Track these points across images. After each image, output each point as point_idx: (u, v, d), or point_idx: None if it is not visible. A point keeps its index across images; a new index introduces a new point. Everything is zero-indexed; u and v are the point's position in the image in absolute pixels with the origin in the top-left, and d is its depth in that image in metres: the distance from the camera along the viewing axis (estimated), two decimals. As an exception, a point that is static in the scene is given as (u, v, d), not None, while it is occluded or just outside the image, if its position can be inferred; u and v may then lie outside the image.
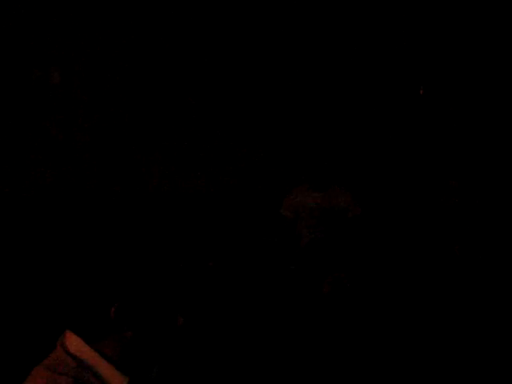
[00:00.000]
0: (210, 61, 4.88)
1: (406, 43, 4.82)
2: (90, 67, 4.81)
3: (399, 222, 4.45)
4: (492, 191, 4.22)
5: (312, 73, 4.90)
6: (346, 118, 4.89)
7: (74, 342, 1.29)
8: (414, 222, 4.44)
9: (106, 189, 4.81)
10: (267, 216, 4.31)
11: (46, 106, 4.80)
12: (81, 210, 4.58)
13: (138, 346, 1.33)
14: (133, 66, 4.86)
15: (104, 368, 1.27)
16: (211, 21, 4.82)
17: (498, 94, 4.64)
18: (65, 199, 4.70)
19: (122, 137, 4.90)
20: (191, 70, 4.88)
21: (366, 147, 4.89)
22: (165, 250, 1.51)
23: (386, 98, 4.92)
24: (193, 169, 4.91)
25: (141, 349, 1.34)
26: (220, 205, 4.71)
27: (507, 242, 3.82)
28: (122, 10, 4.74)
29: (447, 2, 4.71)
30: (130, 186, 4.86)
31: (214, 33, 4.84)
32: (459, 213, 4.13)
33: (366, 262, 3.61)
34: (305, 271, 3.50)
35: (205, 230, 4.36)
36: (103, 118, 4.88)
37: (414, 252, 3.93)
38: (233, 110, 4.91)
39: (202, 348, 2.42)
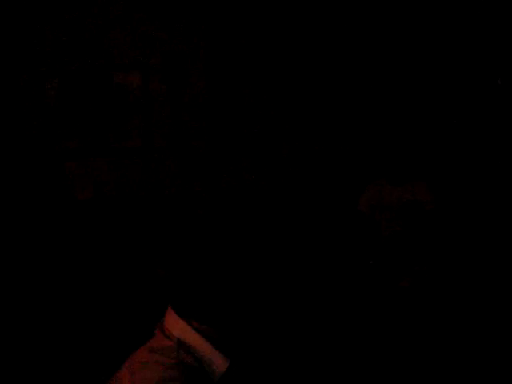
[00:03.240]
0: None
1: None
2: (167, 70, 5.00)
3: (476, 215, 4.34)
4: None
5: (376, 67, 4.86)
6: (422, 112, 4.82)
7: (175, 324, 1.33)
8: (490, 218, 4.33)
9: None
10: (345, 212, 4.33)
11: (127, 109, 5.04)
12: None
13: (242, 331, 1.35)
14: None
15: (206, 350, 1.30)
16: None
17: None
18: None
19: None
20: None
21: (441, 141, 4.79)
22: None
23: (462, 94, 4.79)
24: (256, 165, 5.01)
25: (245, 335, 1.36)
26: (298, 202, 4.77)
27: None
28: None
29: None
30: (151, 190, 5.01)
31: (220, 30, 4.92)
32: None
33: (443, 256, 3.55)
34: (384, 265, 3.50)
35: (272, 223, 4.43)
36: (177, 121, 5.07)
37: (489, 249, 3.83)
38: (306, 98, 4.95)
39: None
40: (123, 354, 1.41)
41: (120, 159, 5.08)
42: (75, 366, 3.05)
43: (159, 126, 5.06)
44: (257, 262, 1.43)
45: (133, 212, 4.89)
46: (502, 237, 4.11)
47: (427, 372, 2.51)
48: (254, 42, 4.92)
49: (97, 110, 5.06)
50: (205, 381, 1.29)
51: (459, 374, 2.53)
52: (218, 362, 1.31)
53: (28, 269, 4.11)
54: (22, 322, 3.52)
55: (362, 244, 3.97)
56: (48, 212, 4.67)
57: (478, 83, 4.73)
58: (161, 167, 5.09)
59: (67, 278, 4.10)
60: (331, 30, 4.86)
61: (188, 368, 1.27)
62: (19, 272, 4.06)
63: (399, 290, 3.11)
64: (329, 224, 4.55)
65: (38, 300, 3.85)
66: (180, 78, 5.01)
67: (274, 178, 4.96)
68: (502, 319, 2.97)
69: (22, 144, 5.02)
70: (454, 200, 4.52)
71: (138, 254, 4.50)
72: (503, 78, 4.72)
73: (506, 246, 3.96)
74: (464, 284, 3.28)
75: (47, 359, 3.15)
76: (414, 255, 3.44)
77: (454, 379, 2.51)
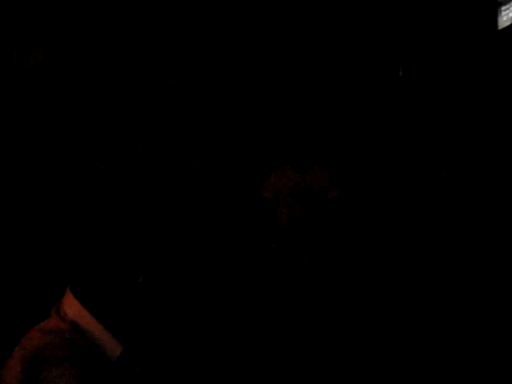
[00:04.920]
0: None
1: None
2: (71, 49, 4.84)
3: (378, 202, 4.58)
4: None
5: (289, 58, 4.97)
6: (327, 100, 4.97)
7: (72, 307, 1.33)
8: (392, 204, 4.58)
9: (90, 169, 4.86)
10: (249, 198, 4.40)
11: (27, 87, 4.82)
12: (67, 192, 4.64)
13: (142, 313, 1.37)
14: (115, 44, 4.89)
15: (100, 334, 1.32)
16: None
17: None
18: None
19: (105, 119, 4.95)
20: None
21: (345, 130, 4.98)
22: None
23: (366, 82, 5.00)
24: (176, 149, 4.98)
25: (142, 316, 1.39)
26: (202, 186, 4.78)
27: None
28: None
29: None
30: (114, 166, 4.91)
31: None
32: (447, 188, 4.24)
33: (342, 237, 3.73)
34: (285, 248, 3.61)
35: (186, 208, 4.44)
36: (84, 99, 4.92)
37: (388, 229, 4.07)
38: (212, 93, 4.96)
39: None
40: (17, 335, 1.39)
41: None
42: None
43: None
44: (153, 246, 1.45)
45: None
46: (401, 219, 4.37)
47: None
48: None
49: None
50: (97, 363, 1.30)
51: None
52: (112, 347, 1.33)
53: None
54: None
55: (265, 228, 4.06)
56: None
57: (380, 73, 4.96)
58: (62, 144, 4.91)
59: None
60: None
61: (80, 350, 1.27)
62: None
63: (299, 269, 3.24)
64: (232, 209, 4.61)
65: None
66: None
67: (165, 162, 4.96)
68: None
69: None
70: (356, 187, 4.73)
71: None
72: (404, 70, 4.98)
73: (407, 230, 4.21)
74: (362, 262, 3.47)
75: None
76: (313, 238, 3.57)
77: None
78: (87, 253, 1.36)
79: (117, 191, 4.67)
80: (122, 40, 4.90)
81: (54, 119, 4.91)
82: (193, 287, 3.08)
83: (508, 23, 4.67)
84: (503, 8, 4.72)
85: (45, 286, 3.01)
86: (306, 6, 4.91)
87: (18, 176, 4.75)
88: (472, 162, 4.44)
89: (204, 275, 3.30)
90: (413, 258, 3.61)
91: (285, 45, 4.95)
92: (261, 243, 3.88)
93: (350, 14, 4.93)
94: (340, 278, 3.17)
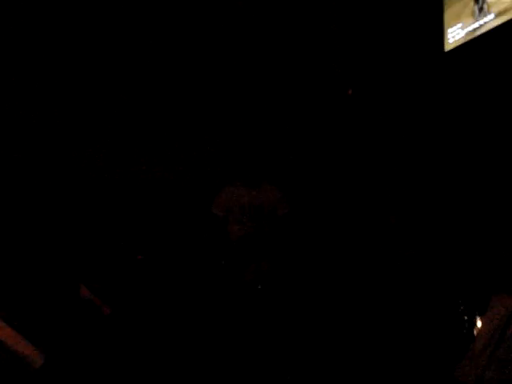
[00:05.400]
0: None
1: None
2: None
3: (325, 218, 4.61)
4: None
5: (243, 73, 4.98)
6: (277, 117, 5.00)
7: None
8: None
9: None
10: (199, 214, 4.36)
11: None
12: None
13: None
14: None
15: (20, 345, 1.29)
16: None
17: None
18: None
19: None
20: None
21: (295, 145, 5.01)
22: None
23: (318, 98, 5.05)
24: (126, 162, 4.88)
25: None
26: (152, 202, 4.71)
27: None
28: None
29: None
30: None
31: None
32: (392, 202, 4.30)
33: (286, 251, 3.75)
34: (234, 265, 3.58)
35: (134, 225, 4.36)
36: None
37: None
38: (163, 107, 4.91)
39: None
40: None
41: None
42: None
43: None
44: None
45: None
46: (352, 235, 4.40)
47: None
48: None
49: None
50: (20, 376, 1.27)
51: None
52: (34, 357, 1.32)
53: None
54: None
55: (215, 245, 4.02)
56: None
57: (330, 92, 5.02)
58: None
59: None
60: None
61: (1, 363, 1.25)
62: None
63: (243, 282, 3.24)
64: (182, 225, 4.56)
65: None
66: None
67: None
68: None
69: None
70: (307, 202, 4.75)
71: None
72: (354, 89, 5.05)
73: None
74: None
75: None
76: (261, 254, 3.58)
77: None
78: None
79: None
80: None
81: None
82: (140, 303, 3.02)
83: (454, 45, 4.79)
84: (449, 30, 4.84)
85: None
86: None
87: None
88: (415, 174, 4.52)
89: (153, 294, 3.25)
90: (359, 276, 3.65)
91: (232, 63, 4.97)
92: (211, 260, 3.84)
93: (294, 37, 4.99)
94: (284, 293, 3.17)
